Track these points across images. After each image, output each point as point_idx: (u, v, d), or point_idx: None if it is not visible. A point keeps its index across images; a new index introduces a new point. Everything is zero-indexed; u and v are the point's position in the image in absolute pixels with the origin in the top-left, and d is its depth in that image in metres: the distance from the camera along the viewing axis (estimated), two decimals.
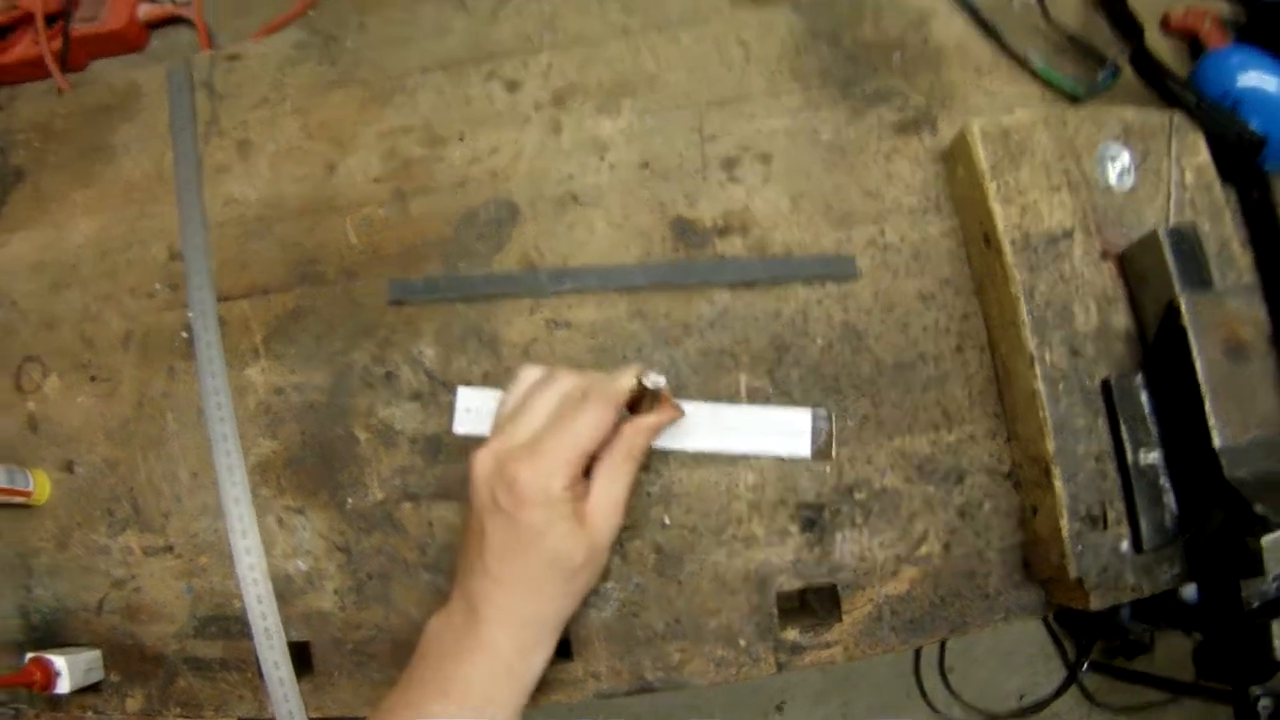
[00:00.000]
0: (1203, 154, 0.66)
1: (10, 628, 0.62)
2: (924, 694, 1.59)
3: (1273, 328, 0.68)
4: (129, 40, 0.71)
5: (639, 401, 0.52)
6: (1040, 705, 1.60)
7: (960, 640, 1.59)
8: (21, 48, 0.70)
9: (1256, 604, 0.56)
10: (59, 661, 0.57)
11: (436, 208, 0.63)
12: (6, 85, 0.71)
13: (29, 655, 0.57)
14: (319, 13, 0.70)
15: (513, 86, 0.65)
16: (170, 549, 0.61)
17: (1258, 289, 0.62)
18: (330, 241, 0.63)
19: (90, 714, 0.62)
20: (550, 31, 0.66)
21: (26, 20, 0.70)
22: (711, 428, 0.59)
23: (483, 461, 0.50)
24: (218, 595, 0.61)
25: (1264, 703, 0.57)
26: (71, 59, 0.71)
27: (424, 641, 0.52)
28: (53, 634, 0.62)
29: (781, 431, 0.60)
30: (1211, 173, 0.66)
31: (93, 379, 0.63)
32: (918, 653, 1.57)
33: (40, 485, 0.62)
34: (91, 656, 0.61)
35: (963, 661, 1.61)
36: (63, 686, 0.57)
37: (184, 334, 0.63)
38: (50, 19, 0.70)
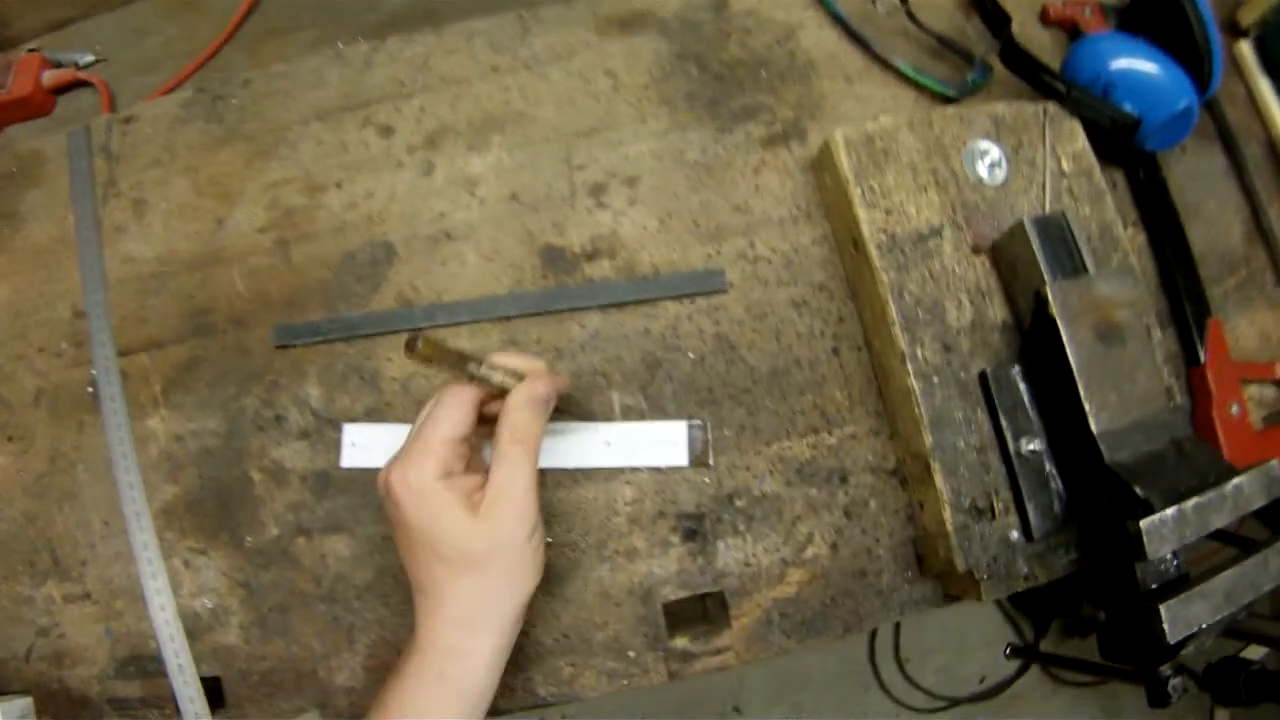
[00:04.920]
0: (1080, 141, 0.67)
1: None
2: (882, 685, 1.58)
3: (1168, 300, 0.69)
4: (36, 106, 0.75)
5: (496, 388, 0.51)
6: (1002, 686, 1.58)
7: (911, 629, 1.58)
8: None
9: (1154, 585, 0.56)
10: None
11: (317, 253, 0.66)
12: None
13: None
14: (206, 71, 0.73)
15: (386, 132, 0.68)
16: (88, 595, 0.64)
17: (1131, 270, 0.63)
18: (220, 293, 0.66)
19: None
20: (422, 74, 0.68)
21: None
22: (587, 445, 0.61)
23: (379, 483, 0.51)
24: (134, 636, 0.63)
25: (1175, 682, 0.56)
26: None
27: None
28: None
29: (657, 443, 0.61)
30: (1090, 158, 0.67)
31: (10, 438, 0.66)
32: (872, 644, 1.57)
33: None
34: (24, 704, 0.63)
35: (917, 651, 1.60)
36: None
37: (89, 389, 0.65)
38: None
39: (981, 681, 1.60)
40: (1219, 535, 0.65)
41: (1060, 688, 1.55)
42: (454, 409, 0.50)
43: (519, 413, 0.50)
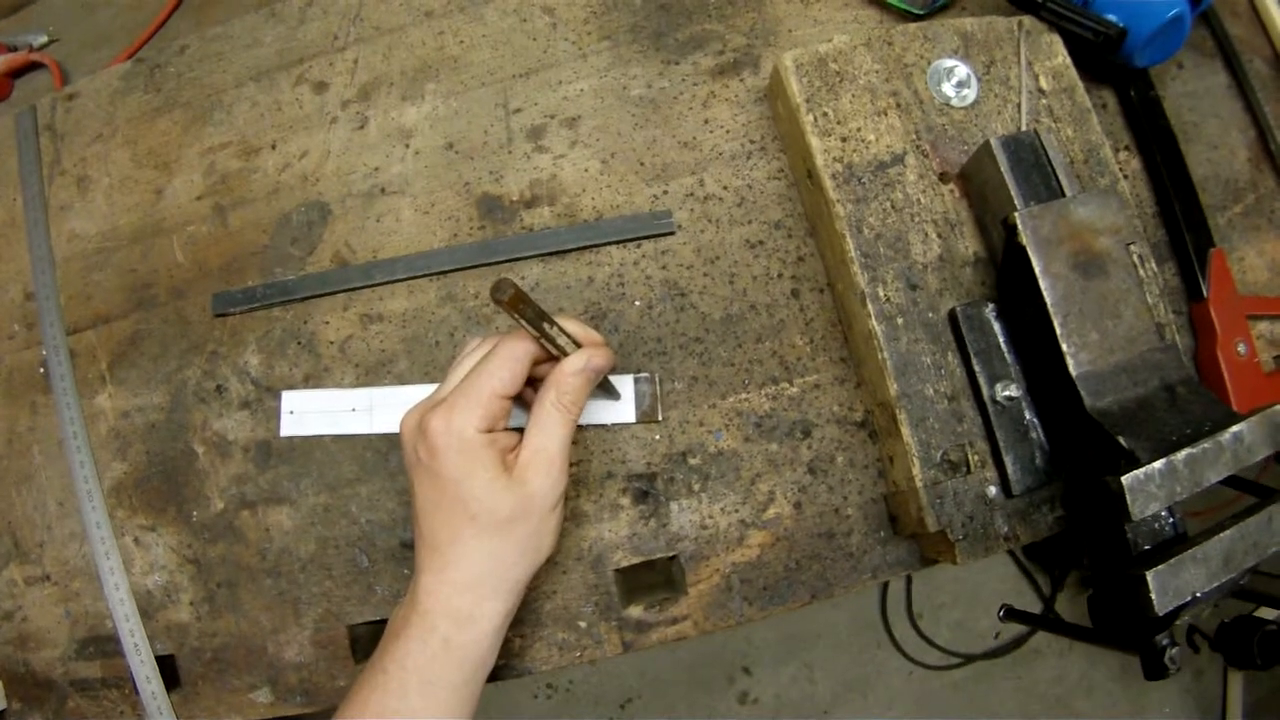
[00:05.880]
0: (1060, 56, 0.61)
1: None
2: (895, 642, 1.53)
3: (1164, 228, 0.63)
4: None
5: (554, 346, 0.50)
6: (1018, 642, 1.53)
7: (924, 584, 1.53)
8: None
9: (1147, 546, 0.50)
10: None
11: (253, 218, 0.64)
12: None
13: None
14: (160, 43, 0.72)
15: (320, 88, 0.65)
16: (48, 577, 0.63)
17: (1114, 192, 0.57)
18: (161, 264, 0.64)
19: None
20: (355, 25, 0.66)
21: None
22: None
23: (408, 421, 0.49)
24: (92, 617, 0.62)
25: (1173, 653, 0.50)
26: None
27: (387, 627, 0.50)
28: None
29: (602, 399, 0.57)
30: (1072, 75, 0.61)
31: None
32: (884, 601, 1.52)
33: None
34: None
35: (930, 606, 1.55)
36: None
37: (41, 370, 0.65)
38: None
39: (996, 637, 1.55)
40: (1235, 483, 0.58)
41: (1076, 643, 1.48)
42: (510, 365, 0.47)
43: (572, 379, 0.49)
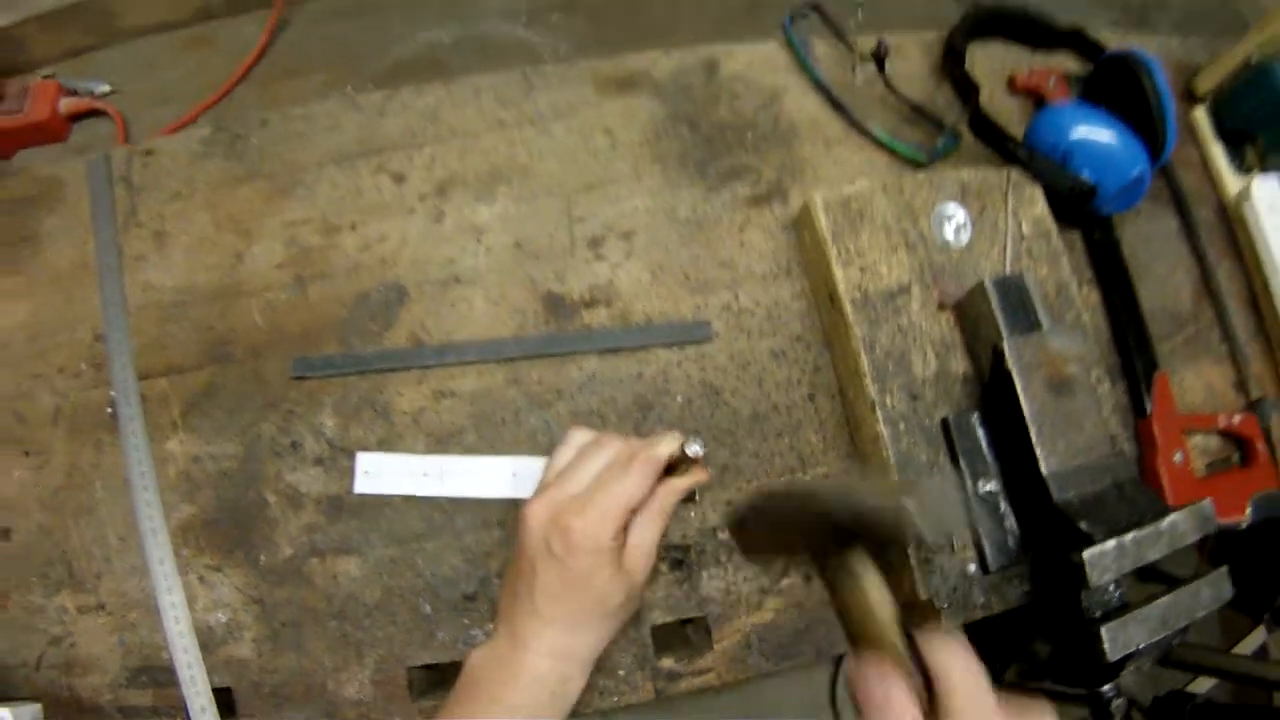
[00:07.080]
0: (1040, 205, 0.73)
1: None
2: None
3: (1117, 353, 0.75)
4: (52, 132, 0.78)
5: (674, 463, 0.59)
6: None
7: None
8: None
9: (1098, 613, 0.62)
10: (3, 714, 0.63)
11: (332, 291, 0.70)
12: None
13: None
14: (225, 110, 0.77)
15: (398, 178, 0.72)
16: (102, 607, 0.67)
17: (1082, 327, 0.69)
18: (239, 324, 0.70)
19: None
20: (433, 125, 0.73)
21: None
22: None
23: (537, 512, 0.56)
24: (147, 647, 0.67)
25: (1117, 703, 0.62)
26: None
27: (467, 672, 0.57)
28: None
29: None
30: (1049, 222, 0.73)
31: (26, 453, 0.69)
32: (833, 685, 1.59)
33: None
34: (33, 709, 0.66)
35: None
36: None
37: (109, 410, 0.69)
38: None
39: None
40: (1158, 576, 0.70)
41: None
42: (644, 484, 0.57)
43: (674, 496, 0.60)
